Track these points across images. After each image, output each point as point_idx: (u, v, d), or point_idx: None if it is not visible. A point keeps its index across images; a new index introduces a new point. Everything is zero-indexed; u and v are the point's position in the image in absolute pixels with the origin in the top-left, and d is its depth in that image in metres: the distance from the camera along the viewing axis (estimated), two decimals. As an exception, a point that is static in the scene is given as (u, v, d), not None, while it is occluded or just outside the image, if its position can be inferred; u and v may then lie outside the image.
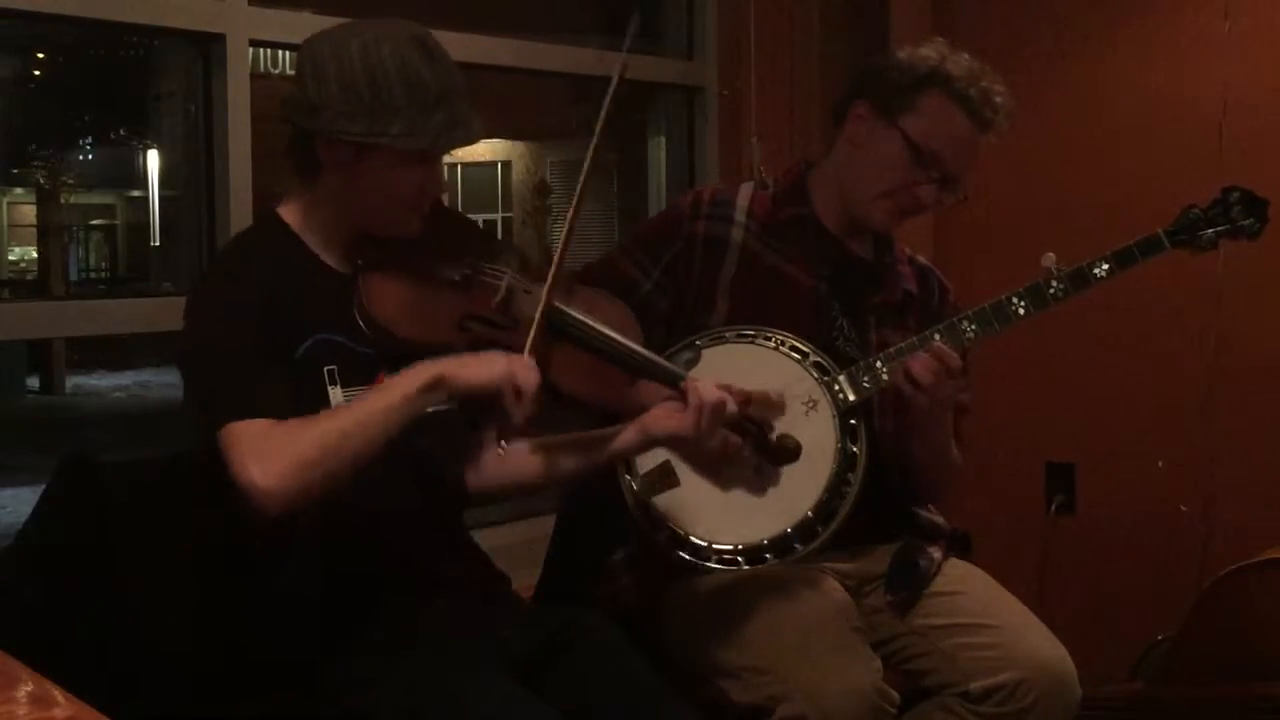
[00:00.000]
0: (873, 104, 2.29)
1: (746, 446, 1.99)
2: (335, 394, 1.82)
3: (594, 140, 1.92)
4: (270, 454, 1.65)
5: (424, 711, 1.69)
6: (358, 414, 1.71)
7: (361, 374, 1.85)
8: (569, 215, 1.93)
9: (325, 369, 1.82)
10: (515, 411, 1.72)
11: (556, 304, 1.89)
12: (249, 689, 1.79)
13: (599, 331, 1.92)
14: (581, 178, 1.94)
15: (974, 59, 2.28)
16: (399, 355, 1.84)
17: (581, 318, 1.92)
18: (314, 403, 1.79)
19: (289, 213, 1.92)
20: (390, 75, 1.79)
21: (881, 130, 2.27)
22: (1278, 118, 3.19)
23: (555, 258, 1.86)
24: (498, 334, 1.87)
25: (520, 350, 1.78)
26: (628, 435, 1.95)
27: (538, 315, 1.82)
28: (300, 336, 1.81)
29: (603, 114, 1.90)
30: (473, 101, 1.87)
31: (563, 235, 1.91)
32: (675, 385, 1.91)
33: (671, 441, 1.95)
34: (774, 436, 2.01)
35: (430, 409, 1.76)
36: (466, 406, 1.88)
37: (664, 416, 1.92)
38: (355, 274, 1.88)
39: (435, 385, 1.72)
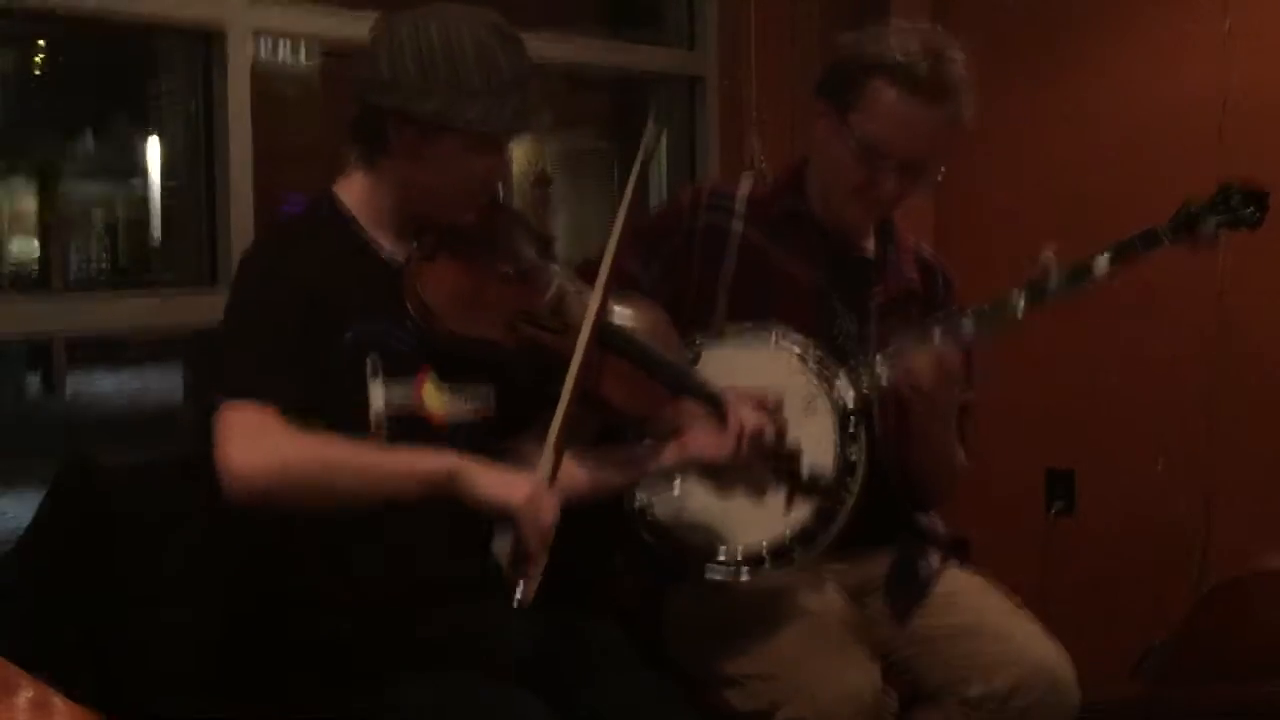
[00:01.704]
0: (828, 101, 2.27)
1: (779, 475, 1.99)
2: (375, 386, 1.80)
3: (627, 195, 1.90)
4: (258, 446, 1.64)
5: (431, 712, 1.69)
6: (362, 459, 1.69)
7: (404, 367, 1.83)
8: (616, 227, 1.90)
9: (368, 359, 1.80)
10: (532, 542, 1.66)
11: (607, 319, 1.88)
12: (250, 693, 1.79)
13: (647, 347, 1.92)
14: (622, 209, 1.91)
15: (930, 33, 2.22)
16: (444, 349, 1.84)
17: (630, 333, 1.92)
18: (354, 392, 1.78)
19: (346, 191, 1.91)
20: (469, 59, 1.79)
21: (836, 128, 2.24)
22: (1277, 117, 3.19)
23: (603, 271, 1.84)
24: (546, 337, 1.86)
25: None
26: (669, 455, 1.94)
27: (585, 332, 1.79)
28: (344, 324, 1.80)
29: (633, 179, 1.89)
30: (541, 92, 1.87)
31: (610, 246, 1.88)
32: (717, 407, 1.91)
33: (709, 464, 1.94)
34: (805, 472, 2.02)
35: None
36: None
37: (704, 441, 1.92)
38: (409, 259, 1.87)
39: (449, 481, 1.68)
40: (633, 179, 1.89)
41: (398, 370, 1.82)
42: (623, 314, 1.96)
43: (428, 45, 1.80)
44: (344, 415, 1.77)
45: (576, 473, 1.89)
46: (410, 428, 1.82)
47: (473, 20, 1.83)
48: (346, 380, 1.79)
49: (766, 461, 1.95)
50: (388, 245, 1.90)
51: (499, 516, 1.68)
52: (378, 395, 1.80)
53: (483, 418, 1.91)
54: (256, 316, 1.77)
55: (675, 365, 1.94)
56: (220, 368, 1.77)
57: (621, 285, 2.13)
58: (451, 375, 1.88)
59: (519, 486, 1.68)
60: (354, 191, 1.90)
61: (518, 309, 1.87)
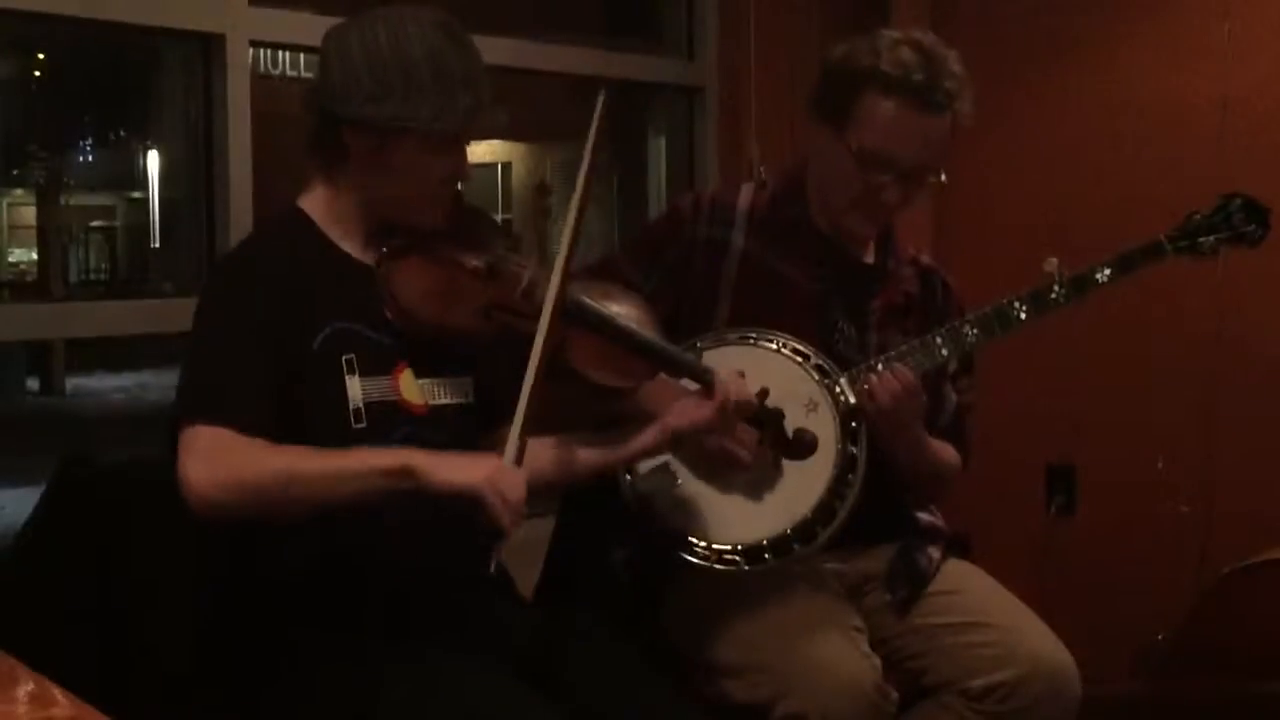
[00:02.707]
0: (822, 115, 2.27)
1: (766, 438, 2.00)
2: (353, 383, 1.80)
3: (587, 153, 1.88)
4: (218, 464, 1.64)
5: (426, 710, 1.69)
6: (318, 465, 1.68)
7: (380, 363, 1.84)
8: (572, 208, 1.90)
9: (343, 358, 1.81)
10: (503, 519, 1.65)
11: (575, 294, 1.88)
12: (249, 687, 1.79)
13: (618, 322, 1.93)
14: (581, 178, 1.90)
15: (923, 40, 2.21)
16: (421, 343, 1.85)
17: (602, 309, 1.92)
18: (332, 392, 1.79)
19: (311, 204, 1.91)
20: (418, 59, 1.80)
21: (832, 142, 2.24)
22: (1278, 120, 3.19)
23: (565, 244, 1.84)
24: (520, 321, 1.85)
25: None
26: (648, 435, 1.95)
27: (549, 299, 1.80)
28: (317, 326, 1.81)
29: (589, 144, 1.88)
30: (495, 90, 1.88)
31: (569, 223, 1.88)
32: (700, 377, 1.93)
33: (692, 434, 1.95)
34: (790, 428, 2.03)
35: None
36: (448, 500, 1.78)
37: (687, 409, 1.93)
38: (379, 261, 1.88)
39: (405, 474, 1.67)
40: (587, 154, 1.87)
41: (374, 367, 1.83)
42: (598, 299, 1.96)
43: (376, 50, 1.80)
44: (322, 412, 1.79)
45: (544, 453, 1.91)
46: (392, 418, 1.83)
47: (420, 21, 1.83)
48: (322, 378, 1.79)
49: (751, 425, 1.97)
50: (355, 252, 1.90)
51: (464, 500, 1.66)
52: (355, 391, 1.81)
53: (463, 407, 1.93)
54: (220, 328, 1.78)
55: (654, 340, 1.95)
56: (185, 378, 1.78)
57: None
58: (428, 369, 1.89)
59: (478, 468, 1.68)
60: (318, 204, 1.90)
61: (491, 301, 1.88)
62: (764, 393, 1.99)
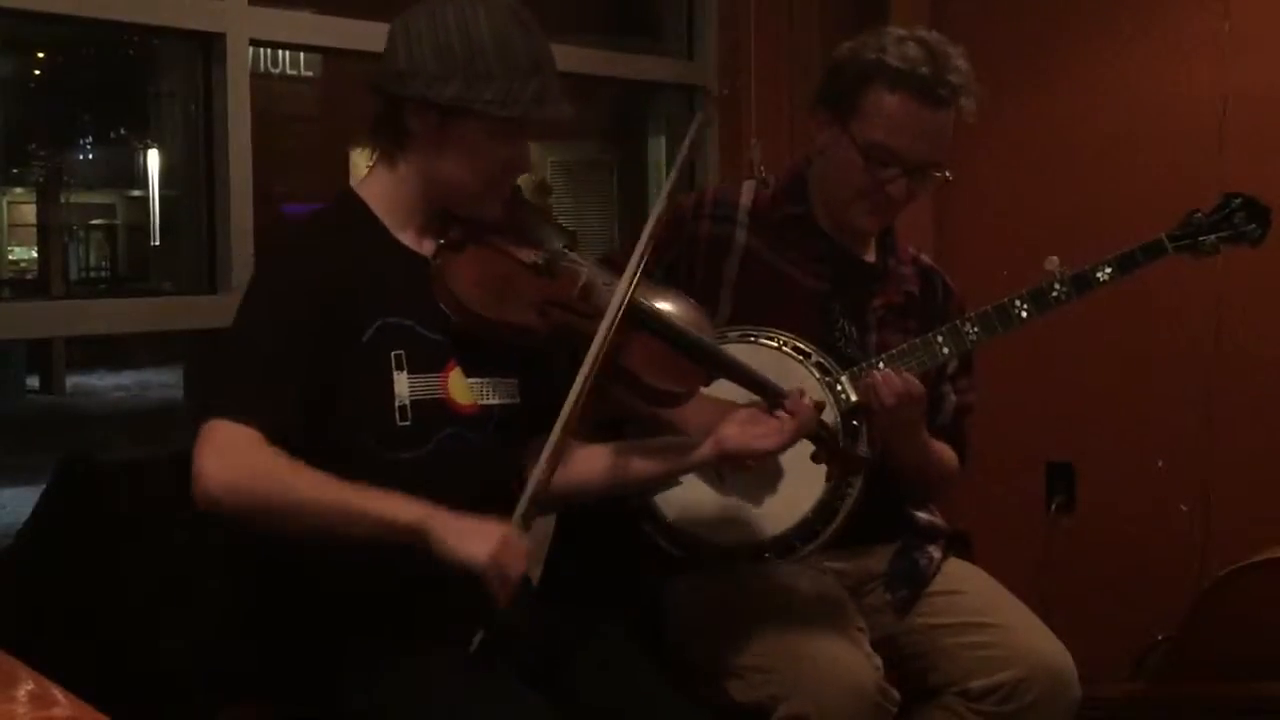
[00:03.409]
0: (827, 110, 2.28)
1: (820, 454, 1.96)
2: (400, 380, 1.79)
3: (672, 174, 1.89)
4: (234, 464, 1.62)
5: (429, 708, 1.69)
6: (336, 499, 1.65)
7: (430, 360, 1.82)
8: (654, 212, 1.89)
9: (393, 354, 1.79)
10: (498, 597, 1.63)
11: (641, 297, 1.86)
12: (249, 687, 1.79)
13: (683, 327, 1.91)
14: (667, 184, 1.91)
15: (928, 37, 2.23)
16: (474, 339, 1.83)
17: (667, 313, 1.90)
18: (378, 388, 1.77)
19: (368, 190, 1.89)
20: (485, 42, 1.79)
21: (838, 137, 2.25)
22: (1278, 118, 3.19)
23: (638, 250, 1.83)
24: (577, 320, 1.84)
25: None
26: (704, 450, 1.91)
27: (617, 301, 1.79)
28: (368, 319, 1.79)
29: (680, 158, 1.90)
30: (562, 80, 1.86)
31: (646, 231, 1.87)
32: (761, 389, 1.90)
33: (748, 455, 1.90)
34: (844, 444, 2.01)
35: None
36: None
37: (746, 431, 1.89)
38: (436, 252, 1.86)
39: (415, 532, 1.64)
40: (677, 164, 1.89)
41: (424, 364, 1.81)
42: (660, 301, 1.94)
43: (444, 32, 1.79)
44: (367, 408, 1.77)
45: (597, 462, 1.92)
46: (437, 417, 1.82)
47: (489, 6, 1.82)
48: (370, 373, 1.77)
49: (812, 441, 1.93)
50: (410, 242, 1.88)
51: (466, 572, 1.63)
52: (402, 388, 1.79)
53: (510, 408, 1.91)
54: (261, 325, 1.75)
55: (714, 348, 1.94)
56: (217, 371, 1.76)
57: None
58: (478, 369, 1.87)
59: (484, 544, 1.64)
60: (376, 190, 1.88)
61: (547, 298, 1.86)
62: (819, 406, 1.96)
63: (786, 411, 1.88)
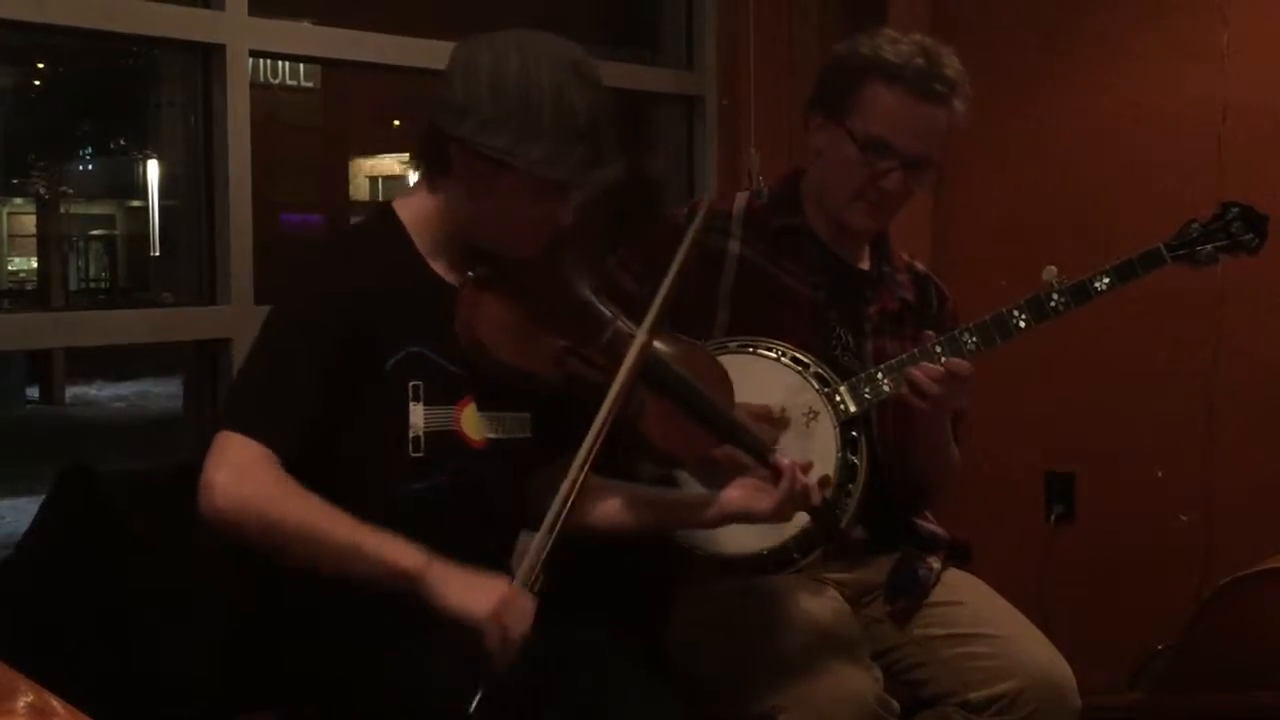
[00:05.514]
0: (823, 112, 2.29)
1: (815, 528, 2.00)
2: (416, 410, 1.77)
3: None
4: (243, 482, 1.62)
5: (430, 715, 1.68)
6: (341, 534, 1.64)
7: (447, 393, 1.81)
8: (671, 270, 1.87)
9: (411, 384, 1.78)
10: (498, 657, 1.62)
11: (658, 357, 1.85)
12: (250, 698, 1.79)
13: (696, 389, 1.90)
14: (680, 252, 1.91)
15: (921, 38, 2.25)
16: (489, 380, 1.82)
17: (680, 374, 1.89)
18: (395, 417, 1.76)
19: (406, 209, 1.87)
20: (544, 95, 1.74)
21: (835, 135, 2.27)
22: (1277, 126, 3.20)
23: (655, 306, 1.82)
24: (594, 374, 1.83)
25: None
26: (710, 513, 1.92)
27: (628, 363, 1.78)
28: (393, 347, 1.77)
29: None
30: (617, 137, 1.84)
31: (665, 285, 1.85)
32: (764, 461, 1.89)
33: (746, 518, 1.92)
34: (843, 524, 2.05)
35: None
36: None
37: (748, 498, 1.90)
38: (462, 283, 1.84)
39: (414, 580, 1.63)
40: (681, 252, 1.88)
41: (440, 397, 1.80)
42: (674, 357, 1.92)
43: (504, 76, 1.75)
44: (381, 436, 1.77)
45: (604, 505, 1.93)
46: (448, 449, 1.81)
47: (555, 57, 1.77)
48: (387, 401, 1.77)
49: (806, 512, 1.94)
50: (441, 270, 1.87)
51: (464, 626, 1.63)
52: (418, 419, 1.78)
53: (520, 441, 1.90)
54: (286, 344, 1.75)
55: (727, 414, 1.92)
56: (241, 379, 1.76)
57: (618, 302, 2.13)
58: (493, 403, 1.86)
59: (484, 599, 1.63)
60: (413, 210, 1.87)
61: (568, 346, 1.84)
62: (825, 481, 1.97)
63: (783, 482, 1.87)
